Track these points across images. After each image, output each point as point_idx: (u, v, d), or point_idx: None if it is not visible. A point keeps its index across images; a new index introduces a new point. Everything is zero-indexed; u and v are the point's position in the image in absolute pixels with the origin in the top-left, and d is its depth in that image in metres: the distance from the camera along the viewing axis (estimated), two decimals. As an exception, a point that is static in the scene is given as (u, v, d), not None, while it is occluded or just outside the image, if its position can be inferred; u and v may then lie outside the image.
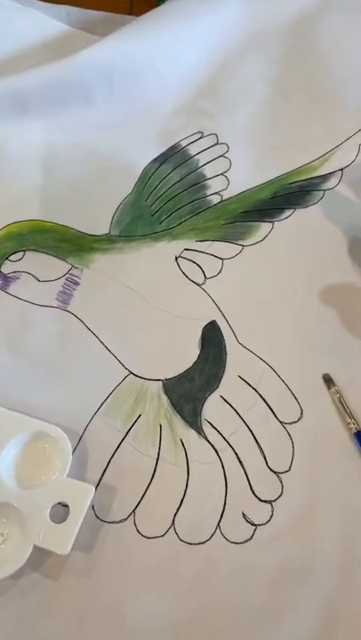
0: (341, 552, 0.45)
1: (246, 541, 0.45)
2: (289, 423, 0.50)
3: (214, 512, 0.46)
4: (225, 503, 0.46)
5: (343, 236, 0.58)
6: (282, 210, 0.61)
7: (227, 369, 0.52)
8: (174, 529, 0.45)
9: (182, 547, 0.45)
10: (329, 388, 0.51)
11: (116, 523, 0.46)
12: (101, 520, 0.46)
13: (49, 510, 0.44)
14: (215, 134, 0.66)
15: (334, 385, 0.51)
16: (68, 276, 0.57)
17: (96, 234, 0.59)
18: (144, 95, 0.67)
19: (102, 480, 0.47)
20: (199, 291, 0.56)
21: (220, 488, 0.47)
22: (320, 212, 0.60)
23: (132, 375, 0.52)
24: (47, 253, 0.58)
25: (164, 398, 0.51)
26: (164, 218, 0.60)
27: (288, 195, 0.62)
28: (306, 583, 0.44)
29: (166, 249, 0.58)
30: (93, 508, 0.46)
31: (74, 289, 0.56)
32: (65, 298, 0.56)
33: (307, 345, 0.53)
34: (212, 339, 0.53)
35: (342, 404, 0.50)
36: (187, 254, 0.58)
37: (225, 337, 0.53)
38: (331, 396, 0.50)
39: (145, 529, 0.45)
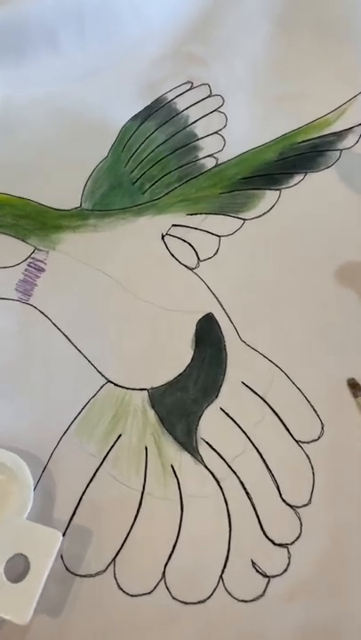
0: (379, 609, 0.38)
1: (258, 598, 0.38)
2: (307, 442, 0.43)
3: (216, 560, 0.39)
4: (229, 549, 0.39)
5: None
6: (290, 174, 0.55)
7: (227, 374, 0.46)
8: (165, 583, 0.39)
9: (176, 606, 0.38)
10: (356, 395, 0.44)
11: (92, 576, 0.39)
12: (72, 573, 0.39)
13: (4, 565, 0.37)
14: (207, 84, 0.61)
15: None
16: (29, 260, 0.51)
17: (64, 208, 0.53)
18: (121, 39, 0.63)
19: (73, 521, 0.41)
20: (192, 276, 0.50)
21: (223, 529, 0.40)
22: (336, 177, 0.55)
23: (110, 384, 0.45)
24: (4, 233, 0.52)
25: (151, 413, 0.44)
26: (147, 187, 0.54)
27: (297, 156, 0.56)
28: (335, 651, 0.37)
29: (150, 225, 0.53)
30: (62, 557, 0.39)
31: (37, 277, 0.50)
32: (26, 288, 0.49)
33: (326, 341, 0.47)
34: (208, 336, 0.47)
35: None
36: (176, 231, 0.52)
37: (224, 333, 0.47)
38: (358, 406, 0.44)
39: (128, 584, 0.39)
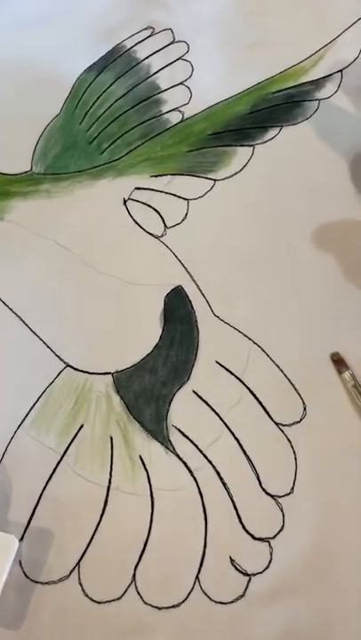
0: (369, 605, 0.36)
1: (238, 599, 0.36)
2: (288, 425, 0.41)
3: (191, 560, 0.37)
4: (205, 546, 0.37)
5: (344, 159, 0.50)
6: (264, 129, 0.52)
7: (200, 353, 0.43)
8: (136, 587, 0.36)
9: (148, 612, 0.36)
10: (340, 372, 0.42)
11: (54, 583, 0.37)
12: (33, 580, 0.37)
13: None
14: (170, 29, 0.57)
15: (347, 368, 0.42)
16: (-26, 232, 0.47)
17: (12, 172, 0.50)
18: (73, -20, 0.58)
19: (32, 523, 0.38)
20: (158, 245, 0.47)
21: (198, 524, 0.38)
22: (314, 130, 0.52)
23: (69, 369, 0.43)
24: None
25: (116, 399, 0.42)
26: (105, 146, 0.51)
27: (272, 108, 0.53)
28: (323, 653, 0.35)
29: (110, 189, 0.50)
30: (21, 564, 0.37)
31: (-16, 251, 0.46)
32: (-27, 264, 0.46)
33: (308, 313, 0.45)
34: (178, 311, 0.45)
35: (360, 393, 0.41)
36: (139, 195, 0.49)
37: (195, 308, 0.45)
38: (343, 383, 0.41)
39: (95, 590, 0.36)
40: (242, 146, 0.51)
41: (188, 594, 0.36)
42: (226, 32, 0.57)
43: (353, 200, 0.48)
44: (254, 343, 0.43)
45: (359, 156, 0.50)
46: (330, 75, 0.54)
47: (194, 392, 0.42)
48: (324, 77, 0.54)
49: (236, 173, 0.50)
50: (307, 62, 0.55)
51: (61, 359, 0.43)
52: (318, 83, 0.54)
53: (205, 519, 0.38)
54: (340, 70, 0.54)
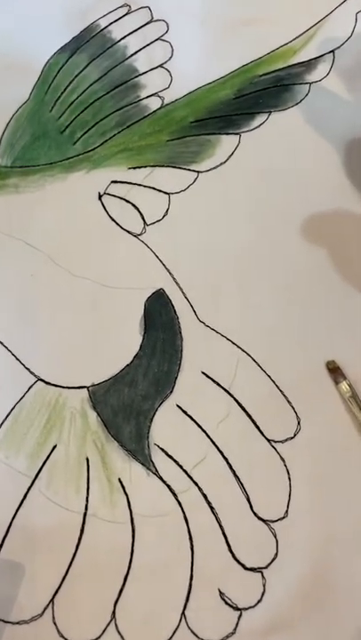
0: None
1: (228, 637, 0.34)
2: (281, 441, 0.39)
3: (176, 593, 0.35)
4: (191, 577, 0.36)
5: (337, 147, 0.49)
6: (251, 115, 0.50)
7: (184, 363, 0.42)
8: (116, 625, 0.35)
9: None
10: (337, 382, 0.40)
11: (26, 622, 0.35)
12: (1, 620, 0.35)
13: None
14: (148, 7, 0.55)
15: (345, 377, 0.40)
16: None
17: None
18: None
19: (0, 555, 0.36)
20: (137, 244, 0.45)
21: (184, 553, 0.36)
22: (305, 116, 0.50)
23: (40, 383, 0.41)
24: None
25: (92, 415, 0.40)
26: (79, 135, 0.49)
27: (259, 92, 0.51)
28: None
29: (85, 182, 0.48)
30: None
31: None
32: None
33: (301, 317, 0.43)
34: (159, 317, 0.43)
35: (359, 405, 0.39)
36: (116, 189, 0.47)
37: (179, 313, 0.43)
38: (341, 394, 0.40)
39: (71, 629, 0.35)
40: (227, 134, 0.49)
41: (174, 632, 0.34)
42: (208, 10, 0.54)
43: (348, 192, 0.47)
44: (243, 351, 0.41)
45: (354, 144, 0.48)
46: (321, 55, 0.51)
47: (178, 406, 0.40)
48: (315, 58, 0.51)
49: (221, 164, 0.48)
50: (296, 42, 0.52)
51: (31, 372, 0.41)
52: (309, 64, 0.51)
53: (192, 548, 0.36)
54: (333, 50, 0.51)
